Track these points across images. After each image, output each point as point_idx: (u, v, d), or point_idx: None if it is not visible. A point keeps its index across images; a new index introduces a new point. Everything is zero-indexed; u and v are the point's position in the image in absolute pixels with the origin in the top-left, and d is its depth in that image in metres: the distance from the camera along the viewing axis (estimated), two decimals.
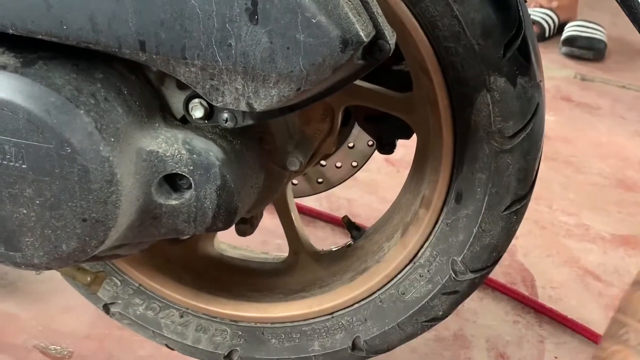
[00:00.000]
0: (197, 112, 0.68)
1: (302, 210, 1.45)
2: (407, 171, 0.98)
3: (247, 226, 0.90)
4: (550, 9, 2.64)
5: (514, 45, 0.74)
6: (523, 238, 1.48)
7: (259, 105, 0.61)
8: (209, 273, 1.01)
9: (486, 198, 0.82)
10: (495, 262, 0.87)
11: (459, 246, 0.85)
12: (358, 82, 0.93)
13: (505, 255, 0.87)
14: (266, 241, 1.37)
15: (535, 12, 2.64)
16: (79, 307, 1.17)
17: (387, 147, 1.02)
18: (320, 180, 1.08)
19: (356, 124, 1.02)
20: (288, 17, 0.57)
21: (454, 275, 0.86)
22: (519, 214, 0.83)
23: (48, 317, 1.20)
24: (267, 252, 1.09)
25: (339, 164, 1.07)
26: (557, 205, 1.60)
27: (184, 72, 0.60)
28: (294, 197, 1.09)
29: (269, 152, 0.80)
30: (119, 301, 0.98)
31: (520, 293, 1.30)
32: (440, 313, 0.89)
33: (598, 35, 2.49)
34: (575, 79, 2.34)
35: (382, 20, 0.62)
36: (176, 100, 0.70)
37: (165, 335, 0.98)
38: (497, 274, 1.35)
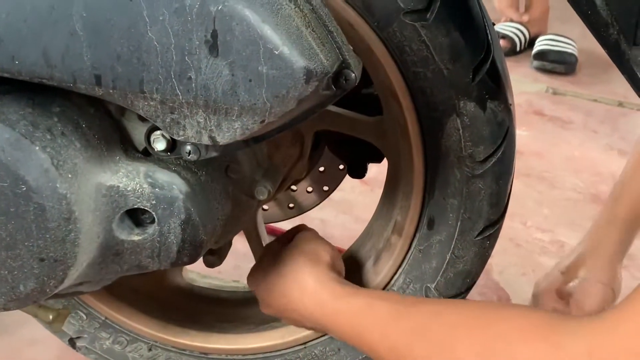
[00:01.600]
0: (159, 145, 0.66)
1: (275, 233, 1.43)
2: (381, 190, 0.96)
3: (215, 257, 0.88)
4: (521, 23, 2.66)
5: (482, 69, 0.73)
6: (498, 256, 1.47)
7: (222, 139, 0.59)
8: (177, 304, 0.99)
9: (458, 224, 0.81)
10: (469, 288, 0.85)
11: (432, 273, 0.84)
12: (327, 107, 0.92)
13: (481, 274, 0.86)
14: (239, 266, 1.34)
15: (506, 27, 2.65)
16: (46, 339, 1.13)
17: (358, 171, 1.00)
18: (291, 205, 1.06)
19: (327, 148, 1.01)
20: (249, 49, 0.55)
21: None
22: (492, 239, 0.82)
23: (14, 349, 1.16)
24: (238, 280, 1.07)
25: (309, 189, 1.05)
26: (532, 222, 1.59)
27: (142, 106, 0.58)
28: (266, 223, 1.07)
29: (236, 181, 0.78)
30: (85, 335, 0.95)
31: None
32: None
33: (569, 49, 2.51)
34: (547, 93, 2.34)
35: (347, 49, 0.60)
36: (138, 132, 0.67)
37: None
38: (473, 294, 1.33)
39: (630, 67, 0.71)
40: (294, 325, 0.87)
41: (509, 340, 0.62)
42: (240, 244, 1.03)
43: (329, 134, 0.96)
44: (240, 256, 1.31)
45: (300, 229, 0.93)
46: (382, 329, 0.72)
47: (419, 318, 0.71)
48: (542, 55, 2.50)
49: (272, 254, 0.87)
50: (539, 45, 2.54)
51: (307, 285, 0.80)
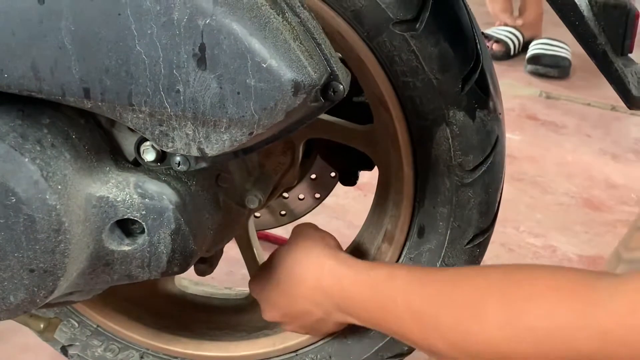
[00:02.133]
0: (149, 156, 0.66)
1: (268, 238, 1.43)
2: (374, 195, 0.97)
3: (206, 265, 0.88)
4: (515, 27, 2.67)
5: (472, 79, 0.74)
6: (490, 261, 1.47)
7: (211, 151, 0.60)
8: (169, 311, 0.99)
9: (448, 232, 0.81)
10: None
11: None
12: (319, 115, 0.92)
13: None
14: (232, 272, 1.35)
15: (500, 31, 2.66)
16: (38, 346, 1.13)
17: (349, 179, 1.00)
18: (283, 212, 1.06)
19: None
20: (237, 62, 0.55)
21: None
22: (481, 247, 0.83)
23: (7, 356, 1.16)
24: (230, 287, 1.07)
25: (301, 196, 1.05)
26: (524, 227, 1.60)
27: (131, 118, 0.59)
28: (258, 230, 1.07)
29: (227, 190, 0.78)
30: (77, 343, 0.95)
31: None
32: (406, 348, 0.88)
33: (563, 52, 2.51)
34: (540, 97, 2.35)
35: (335, 61, 0.61)
36: (128, 142, 0.68)
37: None
38: None
39: (618, 76, 0.72)
40: (297, 328, 0.84)
41: (543, 301, 0.59)
42: (233, 251, 1.04)
43: (321, 142, 0.97)
44: (233, 262, 1.31)
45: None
46: (405, 296, 0.70)
47: (443, 284, 0.68)
48: (535, 59, 2.51)
49: (275, 257, 0.85)
50: (533, 49, 2.55)
51: (325, 263, 0.78)
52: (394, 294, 0.71)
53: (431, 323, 0.67)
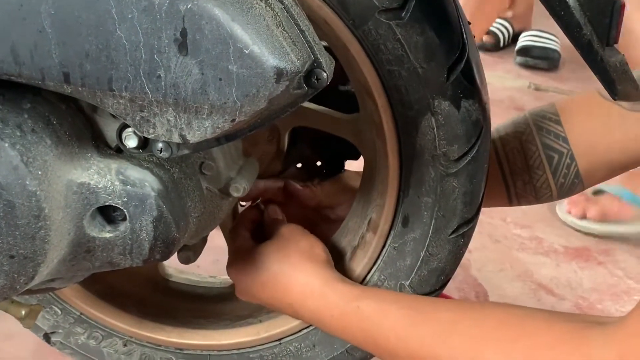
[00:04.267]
0: (131, 142, 0.65)
1: None
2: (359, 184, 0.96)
3: (190, 253, 0.88)
4: (505, 19, 2.66)
5: (457, 69, 0.74)
6: (477, 252, 1.48)
7: (193, 137, 0.59)
8: (153, 299, 0.98)
9: (433, 222, 0.81)
10: (443, 286, 0.86)
11: (406, 270, 0.84)
12: (304, 104, 0.92)
13: (458, 270, 0.86)
14: (218, 260, 1.34)
15: None
16: (22, 334, 1.12)
17: (335, 168, 1.00)
18: None
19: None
20: (219, 48, 0.55)
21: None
22: (466, 237, 0.83)
23: None
24: (214, 276, 1.06)
25: None
26: (511, 218, 1.60)
27: (112, 103, 0.58)
28: None
29: (211, 178, 0.78)
30: (60, 330, 0.95)
31: None
32: None
33: (552, 44, 2.52)
34: (529, 88, 2.35)
35: (319, 48, 0.60)
36: (110, 129, 0.67)
37: None
38: (451, 289, 1.35)
39: (603, 67, 0.72)
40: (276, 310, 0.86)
41: (539, 357, 0.62)
42: (219, 240, 1.03)
43: (307, 130, 0.96)
44: (219, 251, 1.30)
45: (277, 218, 0.92)
46: (399, 336, 0.71)
47: (437, 327, 0.70)
48: (525, 51, 2.51)
49: (261, 253, 0.84)
50: (522, 41, 2.55)
51: (312, 287, 0.78)
52: (386, 332, 0.73)
53: None
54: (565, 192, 0.92)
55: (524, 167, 0.91)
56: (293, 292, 0.79)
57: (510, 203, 0.94)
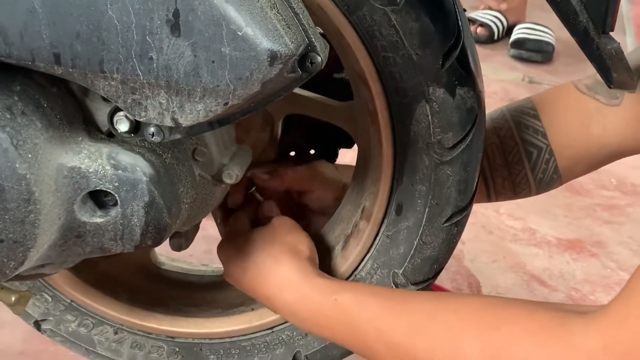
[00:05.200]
0: (123, 126, 0.65)
1: None
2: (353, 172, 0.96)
3: (182, 240, 0.87)
4: (499, 11, 2.66)
5: (452, 56, 0.73)
6: (470, 243, 1.48)
7: (185, 120, 0.59)
8: (145, 287, 0.98)
9: (426, 210, 0.80)
10: (436, 274, 0.85)
11: (400, 258, 0.84)
12: (298, 91, 0.91)
13: (451, 261, 0.86)
14: (210, 249, 1.34)
15: (484, 15, 2.65)
16: (12, 322, 1.12)
17: (328, 156, 1.00)
18: None
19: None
20: (212, 30, 0.54)
21: (395, 288, 0.85)
22: (459, 226, 0.82)
23: None
24: (206, 264, 1.06)
25: None
26: (504, 210, 1.60)
27: (103, 85, 0.57)
28: None
29: (204, 164, 0.77)
30: (50, 318, 0.94)
31: None
32: None
33: (546, 37, 2.51)
34: (523, 81, 2.35)
35: (313, 31, 0.59)
36: (101, 112, 0.66)
37: (99, 352, 0.94)
38: (444, 280, 1.35)
39: (599, 55, 0.71)
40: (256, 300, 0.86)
41: (520, 344, 0.62)
42: (212, 229, 1.03)
43: (300, 118, 0.96)
44: (212, 240, 1.30)
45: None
46: (378, 328, 0.71)
47: (415, 317, 0.69)
48: (519, 43, 2.51)
49: (250, 240, 0.85)
50: (517, 33, 2.54)
51: (290, 280, 0.78)
52: (364, 324, 0.72)
53: (407, 356, 0.68)
54: (543, 187, 0.91)
55: (502, 162, 0.90)
56: (270, 283, 0.79)
57: (489, 199, 0.94)
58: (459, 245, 0.84)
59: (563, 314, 0.62)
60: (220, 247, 0.88)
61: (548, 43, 2.50)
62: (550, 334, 0.61)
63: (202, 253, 1.33)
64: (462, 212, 0.81)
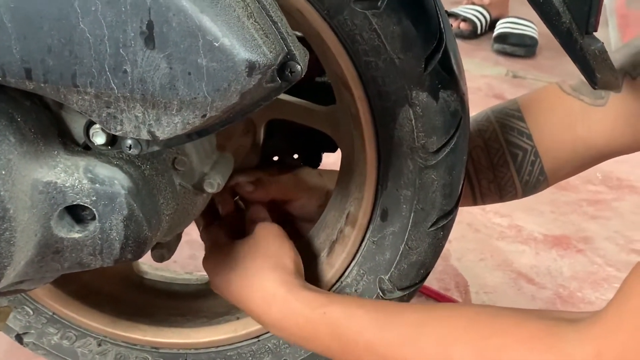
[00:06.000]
0: (99, 139, 0.63)
1: None
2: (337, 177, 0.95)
3: (164, 250, 0.86)
4: (482, 6, 2.66)
5: (435, 59, 0.72)
6: (457, 242, 1.47)
7: (162, 134, 0.57)
8: (128, 298, 0.96)
9: (412, 215, 0.79)
10: (423, 279, 0.84)
11: (386, 264, 0.83)
12: (280, 95, 0.90)
13: (438, 260, 0.85)
14: (195, 255, 1.33)
15: (467, 10, 2.65)
16: None
17: (312, 161, 0.99)
18: None
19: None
20: (188, 41, 0.53)
21: (381, 294, 0.84)
22: (445, 230, 0.81)
23: None
24: (191, 273, 1.05)
25: None
26: (490, 207, 1.59)
27: (76, 100, 0.56)
28: None
29: (184, 174, 0.75)
30: (32, 331, 0.92)
31: (454, 300, 1.29)
32: None
33: (529, 31, 2.51)
34: (507, 76, 2.35)
35: (292, 39, 0.58)
36: (77, 125, 0.65)
37: None
38: (431, 280, 1.34)
39: (583, 55, 0.70)
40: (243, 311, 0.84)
41: (513, 354, 0.61)
42: (197, 234, 1.01)
43: (283, 122, 0.94)
44: (197, 246, 1.29)
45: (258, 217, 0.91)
46: (367, 340, 0.70)
47: (407, 329, 0.68)
48: (502, 38, 2.50)
49: (235, 251, 0.83)
50: (500, 28, 2.54)
51: (276, 294, 0.76)
52: (354, 336, 0.71)
53: None
54: (529, 189, 0.91)
55: (488, 165, 0.89)
56: (256, 297, 0.78)
57: (474, 202, 0.93)
58: (446, 244, 0.83)
59: (555, 322, 0.62)
60: (206, 259, 0.87)
61: (531, 37, 2.50)
62: (542, 343, 0.60)
63: (186, 259, 1.31)
64: (447, 216, 0.80)
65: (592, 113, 0.84)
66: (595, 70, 0.71)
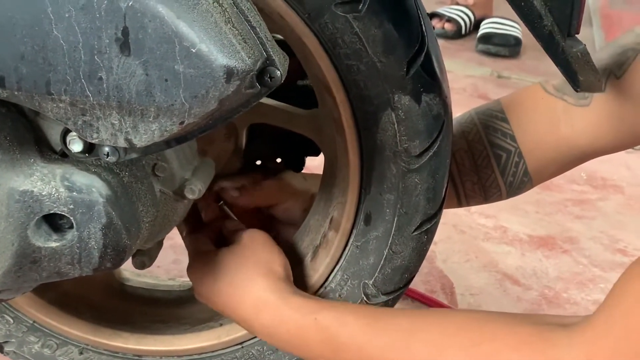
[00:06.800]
0: (76, 146, 0.62)
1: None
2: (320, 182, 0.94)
3: (145, 258, 0.85)
4: (467, 6, 2.66)
5: (417, 62, 0.71)
6: (442, 243, 1.47)
7: (140, 141, 0.56)
8: (109, 305, 0.95)
9: (395, 219, 0.79)
10: (407, 283, 0.84)
11: (370, 269, 0.82)
12: (262, 99, 0.89)
13: (424, 262, 0.84)
14: (179, 259, 1.31)
15: (452, 10, 2.65)
16: None
17: (295, 165, 0.98)
18: None
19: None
20: (164, 47, 0.52)
21: (366, 299, 0.83)
22: (429, 234, 0.81)
23: None
24: (173, 279, 1.03)
25: None
26: (476, 208, 1.59)
27: (51, 108, 0.55)
28: None
29: (165, 180, 0.74)
30: (13, 340, 0.91)
31: (440, 302, 1.29)
32: None
33: (513, 32, 2.52)
34: (491, 76, 2.35)
35: (271, 44, 0.57)
36: (54, 132, 0.64)
37: None
38: (417, 283, 1.34)
39: (565, 58, 0.70)
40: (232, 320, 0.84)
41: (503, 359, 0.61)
42: (180, 238, 1.00)
43: (265, 126, 0.94)
44: (180, 250, 1.27)
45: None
46: (359, 346, 0.69)
47: (397, 334, 0.68)
48: (486, 38, 2.51)
49: (221, 259, 0.82)
50: (484, 28, 2.55)
51: (266, 301, 0.75)
52: (345, 342, 0.71)
53: None
54: (514, 190, 0.90)
55: (472, 167, 0.89)
56: (246, 305, 0.77)
57: (459, 204, 0.92)
58: (431, 246, 0.83)
59: (546, 327, 0.61)
60: (190, 267, 0.86)
61: (515, 37, 2.51)
62: (533, 348, 0.60)
63: (170, 263, 1.30)
64: (431, 220, 0.79)
65: (575, 113, 0.84)
66: (578, 72, 0.70)
